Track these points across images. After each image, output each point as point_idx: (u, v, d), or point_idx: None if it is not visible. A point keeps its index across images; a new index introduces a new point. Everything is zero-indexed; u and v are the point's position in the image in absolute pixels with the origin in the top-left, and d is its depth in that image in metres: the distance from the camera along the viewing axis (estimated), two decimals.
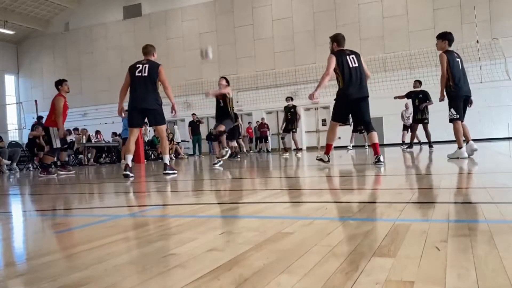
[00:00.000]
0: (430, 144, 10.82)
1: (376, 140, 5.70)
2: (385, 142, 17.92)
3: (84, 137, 14.31)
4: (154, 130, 16.69)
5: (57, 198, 4.20)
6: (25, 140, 16.94)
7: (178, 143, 17.85)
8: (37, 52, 26.18)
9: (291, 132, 11.87)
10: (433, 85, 16.04)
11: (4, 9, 22.93)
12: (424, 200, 2.49)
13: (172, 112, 6.09)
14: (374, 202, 2.52)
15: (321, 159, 6.21)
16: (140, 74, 5.88)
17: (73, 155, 14.35)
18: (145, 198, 3.78)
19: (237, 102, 20.94)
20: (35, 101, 15.90)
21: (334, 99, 6.01)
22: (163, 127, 6.09)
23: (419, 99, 10.83)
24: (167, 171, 5.94)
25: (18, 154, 11.77)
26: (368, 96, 5.84)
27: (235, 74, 20.29)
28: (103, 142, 15.65)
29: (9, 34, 24.39)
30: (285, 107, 11.97)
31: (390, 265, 1.17)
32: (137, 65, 6.05)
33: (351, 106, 5.73)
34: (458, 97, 6.54)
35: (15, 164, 11.45)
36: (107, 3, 24.08)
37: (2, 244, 1.93)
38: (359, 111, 5.76)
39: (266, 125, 19.47)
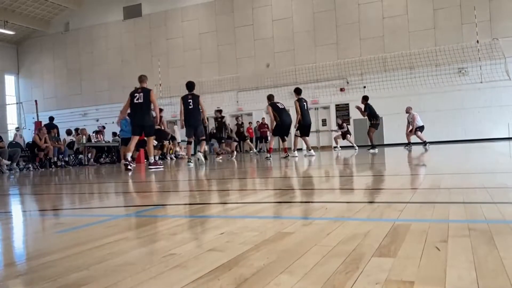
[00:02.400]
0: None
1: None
2: (385, 142, 17.93)
3: (84, 137, 14.31)
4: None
5: (57, 198, 4.20)
6: (25, 140, 16.95)
7: (178, 143, 17.84)
8: (37, 52, 26.18)
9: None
10: (433, 85, 16.10)
11: (4, 9, 22.93)
12: (424, 200, 2.49)
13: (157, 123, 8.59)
14: (374, 202, 2.52)
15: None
16: (138, 101, 8.04)
17: (73, 155, 14.35)
18: (145, 198, 3.78)
19: (237, 102, 20.99)
20: (35, 101, 15.91)
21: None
22: (153, 137, 8.73)
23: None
24: (151, 167, 8.07)
25: (18, 154, 11.77)
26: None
27: (235, 74, 20.30)
28: (103, 142, 15.64)
29: (9, 34, 24.39)
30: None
31: (390, 265, 1.17)
32: (135, 94, 8.13)
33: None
34: None
35: (15, 164, 11.45)
36: (107, 3, 24.08)
37: (2, 244, 1.93)
38: None
39: (266, 125, 19.47)
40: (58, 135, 14.06)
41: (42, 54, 26.04)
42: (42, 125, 13.41)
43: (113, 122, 13.64)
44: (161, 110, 10.65)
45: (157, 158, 9.96)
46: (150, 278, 1.18)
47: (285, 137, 10.12)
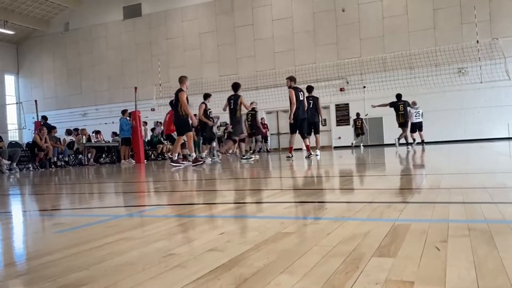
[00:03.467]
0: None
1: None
2: (385, 142, 17.94)
3: (84, 137, 14.31)
4: (152, 130, 16.76)
5: (57, 198, 4.20)
6: (25, 140, 16.95)
7: None
8: (37, 52, 26.17)
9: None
10: (433, 85, 16.10)
11: (4, 9, 22.92)
12: (424, 200, 2.50)
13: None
14: (374, 202, 2.52)
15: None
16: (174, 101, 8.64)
17: (73, 155, 14.35)
18: (145, 198, 3.78)
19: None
20: (35, 101, 15.87)
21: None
22: (188, 135, 8.56)
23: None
24: (172, 164, 8.40)
25: (18, 154, 11.76)
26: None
27: (235, 74, 20.29)
28: (103, 142, 15.64)
29: (9, 34, 24.38)
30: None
31: (390, 265, 1.17)
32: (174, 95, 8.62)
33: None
34: None
35: (15, 164, 11.44)
36: (107, 3, 24.07)
37: (2, 244, 1.93)
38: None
39: (266, 125, 19.47)
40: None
41: (42, 54, 26.03)
42: (42, 125, 13.41)
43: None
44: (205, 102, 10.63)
45: (203, 155, 10.28)
46: (150, 278, 1.18)
47: (305, 133, 9.24)
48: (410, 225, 1.70)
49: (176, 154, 8.72)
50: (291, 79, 9.16)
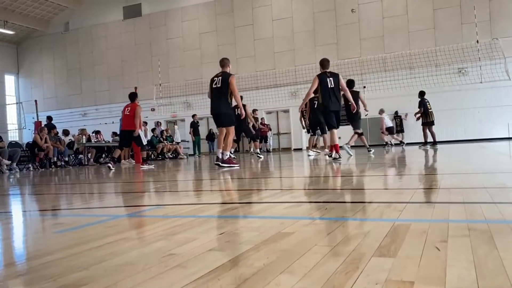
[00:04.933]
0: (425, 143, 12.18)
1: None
2: (384, 142, 17.93)
3: (84, 137, 14.31)
4: (153, 130, 16.76)
5: (57, 198, 4.20)
6: (25, 140, 16.94)
7: (178, 143, 17.86)
8: (37, 52, 26.17)
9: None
10: (433, 85, 16.10)
11: (4, 9, 22.92)
12: (424, 200, 2.50)
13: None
14: (374, 202, 2.52)
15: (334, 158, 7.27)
16: (215, 86, 7.04)
17: (73, 155, 14.35)
18: (145, 198, 3.78)
19: None
20: (35, 101, 15.90)
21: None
22: (224, 129, 7.16)
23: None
24: (223, 164, 6.89)
25: (18, 154, 11.77)
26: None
27: (235, 74, 20.27)
28: (103, 142, 15.65)
29: (9, 34, 24.38)
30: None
31: (390, 265, 1.17)
32: (214, 79, 7.22)
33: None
34: None
35: (15, 164, 11.44)
36: (107, 3, 24.07)
37: (3, 244, 1.93)
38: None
39: (266, 125, 19.48)
40: (56, 135, 14.07)
41: (42, 54, 26.03)
42: (42, 125, 13.42)
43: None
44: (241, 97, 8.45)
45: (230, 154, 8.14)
46: (150, 278, 1.18)
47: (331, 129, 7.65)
48: (410, 225, 1.70)
49: (229, 152, 7.16)
50: (320, 63, 7.69)
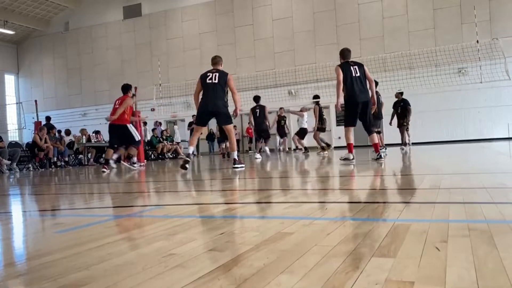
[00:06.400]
0: (404, 143, 11.77)
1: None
2: (385, 142, 17.90)
3: (84, 137, 14.31)
4: (153, 130, 16.75)
5: (57, 198, 4.20)
6: (25, 140, 16.94)
7: (178, 143, 17.86)
8: (37, 52, 26.17)
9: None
10: (433, 85, 16.10)
11: (4, 9, 22.92)
12: (424, 200, 2.49)
13: (233, 114, 6.74)
14: (374, 202, 2.52)
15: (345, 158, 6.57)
16: (210, 81, 6.47)
17: (73, 155, 14.34)
18: (145, 198, 3.78)
19: None
20: (35, 101, 15.86)
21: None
22: (229, 126, 6.81)
23: (401, 107, 11.76)
24: (235, 165, 6.56)
25: (18, 154, 11.76)
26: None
27: (235, 74, 20.25)
28: (103, 142, 15.64)
29: (9, 34, 24.38)
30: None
31: (390, 265, 1.17)
32: (208, 74, 6.62)
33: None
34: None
35: (15, 164, 11.44)
36: (107, 3, 24.07)
37: (2, 244, 1.93)
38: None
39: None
40: (55, 135, 14.08)
41: (42, 54, 26.03)
42: (42, 125, 13.42)
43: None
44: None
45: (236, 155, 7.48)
46: (150, 278, 1.18)
47: (373, 128, 6.67)
48: (410, 225, 1.70)
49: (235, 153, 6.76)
50: (340, 53, 6.86)
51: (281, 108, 14.41)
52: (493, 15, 17.08)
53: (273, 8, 20.67)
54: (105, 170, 7.77)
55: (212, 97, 6.43)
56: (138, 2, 23.46)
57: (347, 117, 6.52)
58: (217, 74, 6.53)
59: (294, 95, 16.14)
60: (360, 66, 6.57)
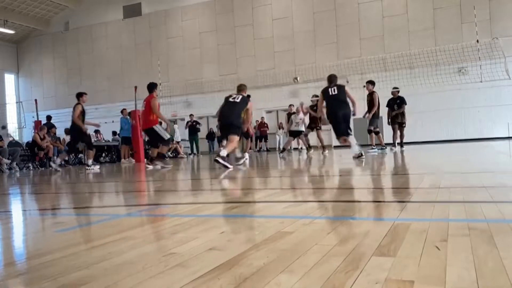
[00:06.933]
0: (401, 144, 11.31)
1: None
2: (384, 142, 17.91)
3: None
4: None
5: (58, 197, 4.20)
6: (25, 140, 16.94)
7: (178, 142, 17.86)
8: (37, 52, 26.16)
9: (315, 130, 11.79)
10: (433, 85, 16.11)
11: (4, 8, 22.90)
12: (424, 199, 2.49)
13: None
14: (374, 202, 2.52)
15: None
16: (232, 99, 7.24)
17: (73, 155, 14.33)
18: (145, 197, 3.78)
19: None
20: (35, 100, 15.86)
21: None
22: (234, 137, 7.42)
23: (397, 105, 11.30)
24: (239, 163, 7.49)
25: (18, 153, 11.77)
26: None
27: (235, 74, 20.28)
28: (103, 141, 15.64)
29: (9, 33, 24.36)
30: (311, 106, 11.82)
31: (390, 265, 1.17)
32: (231, 95, 7.40)
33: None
34: None
35: (15, 163, 11.44)
36: (107, 2, 24.06)
37: (3, 243, 1.93)
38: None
39: (266, 125, 19.48)
40: (55, 134, 14.08)
41: (42, 53, 26.01)
42: (42, 124, 13.43)
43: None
44: None
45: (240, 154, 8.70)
46: (150, 278, 1.18)
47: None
48: (410, 224, 1.70)
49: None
50: (327, 78, 8.01)
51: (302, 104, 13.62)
52: (493, 15, 17.06)
53: (273, 8, 20.67)
54: (148, 166, 8.18)
55: (228, 112, 7.15)
56: (138, 1, 23.45)
57: (336, 131, 7.72)
58: (240, 96, 7.31)
59: (299, 82, 15.75)
60: (340, 87, 7.69)
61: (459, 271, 1.10)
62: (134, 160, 13.82)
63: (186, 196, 3.63)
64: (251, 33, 21.02)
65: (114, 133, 16.56)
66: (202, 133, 19.54)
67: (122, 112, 14.43)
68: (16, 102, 24.47)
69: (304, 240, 1.54)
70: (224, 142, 12.98)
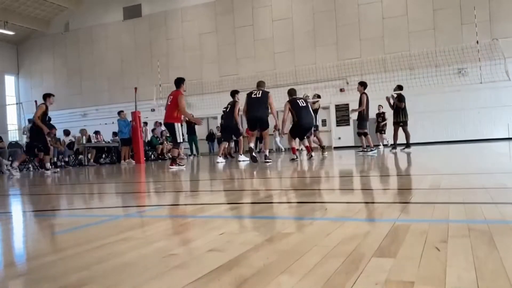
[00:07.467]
0: (408, 144, 11.15)
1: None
2: (385, 142, 17.92)
3: (84, 137, 14.32)
4: (153, 131, 16.76)
5: (57, 198, 4.20)
6: (25, 141, 16.91)
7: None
8: (37, 53, 26.17)
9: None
10: (432, 86, 16.11)
11: (4, 9, 22.92)
12: (424, 200, 2.49)
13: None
14: (374, 202, 2.52)
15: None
16: (255, 96, 8.57)
17: (73, 156, 14.35)
18: (145, 198, 3.78)
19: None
20: (35, 101, 15.84)
21: None
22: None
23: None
24: (267, 160, 8.27)
25: (18, 154, 11.76)
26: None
27: (235, 75, 20.29)
28: (103, 142, 15.65)
29: (9, 34, 24.37)
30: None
31: (390, 266, 1.17)
32: (252, 91, 8.80)
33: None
34: None
35: (15, 164, 11.43)
36: (107, 4, 24.07)
37: (3, 245, 1.93)
38: None
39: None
40: (55, 135, 14.07)
41: (42, 55, 26.02)
42: None
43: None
44: None
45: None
46: (151, 279, 1.19)
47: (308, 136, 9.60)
48: (410, 225, 1.70)
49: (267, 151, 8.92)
50: (288, 92, 9.69)
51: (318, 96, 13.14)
52: (493, 16, 17.08)
53: (273, 9, 20.68)
54: (171, 167, 8.01)
55: (256, 107, 8.38)
56: (138, 2, 23.47)
57: (301, 136, 9.26)
58: (261, 91, 8.62)
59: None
60: (304, 100, 9.17)
61: (459, 272, 1.10)
62: (134, 162, 13.82)
63: (186, 197, 3.63)
64: (251, 34, 21.03)
65: (114, 134, 16.57)
66: (202, 134, 19.54)
67: (119, 114, 14.40)
68: (16, 103, 24.48)
69: (304, 241, 1.54)
70: (226, 144, 12.96)
